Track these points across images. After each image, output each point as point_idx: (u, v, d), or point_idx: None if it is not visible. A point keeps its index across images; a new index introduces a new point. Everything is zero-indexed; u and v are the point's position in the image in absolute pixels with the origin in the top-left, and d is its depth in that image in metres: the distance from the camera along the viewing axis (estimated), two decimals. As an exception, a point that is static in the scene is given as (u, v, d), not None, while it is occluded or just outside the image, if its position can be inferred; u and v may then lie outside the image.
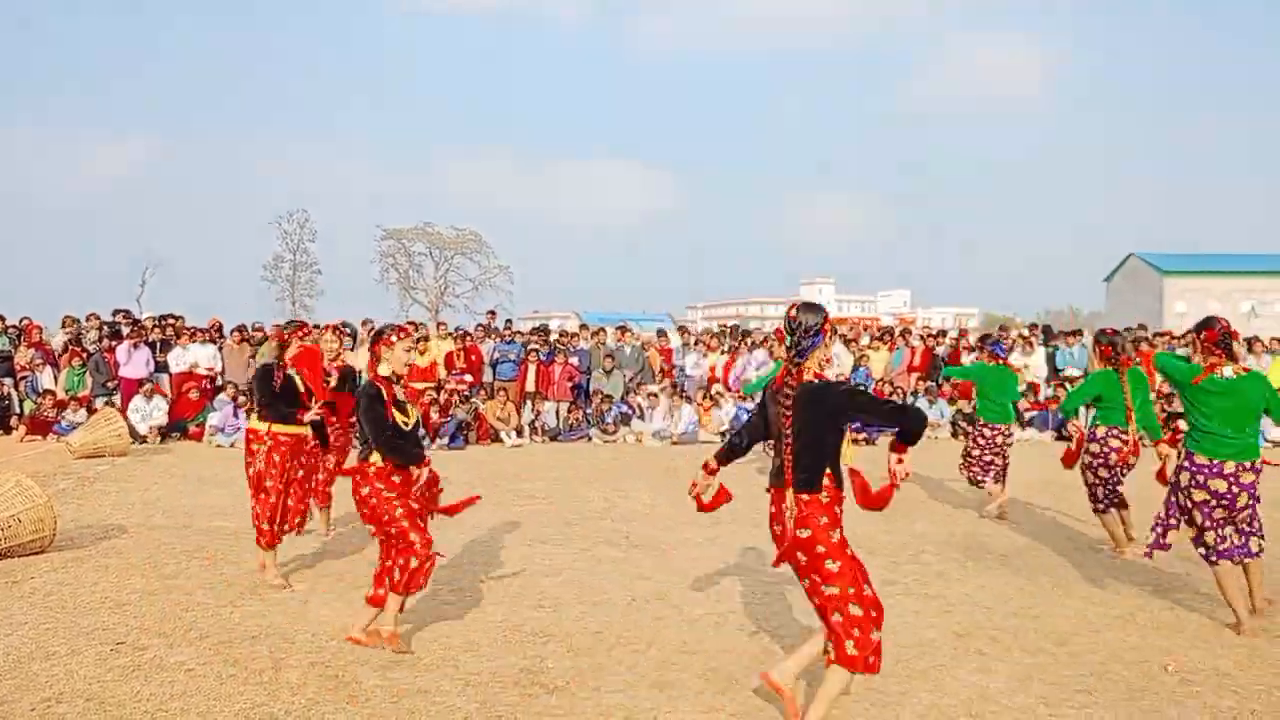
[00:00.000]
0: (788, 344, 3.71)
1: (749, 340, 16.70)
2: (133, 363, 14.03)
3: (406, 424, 4.67)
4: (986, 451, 8.22)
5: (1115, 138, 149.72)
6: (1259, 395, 5.03)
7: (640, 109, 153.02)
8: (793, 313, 3.73)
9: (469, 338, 15.64)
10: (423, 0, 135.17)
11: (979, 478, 8.24)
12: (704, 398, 14.78)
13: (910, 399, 15.37)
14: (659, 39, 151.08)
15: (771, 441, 3.91)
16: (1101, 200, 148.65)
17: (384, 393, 4.63)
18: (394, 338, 4.75)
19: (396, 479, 4.63)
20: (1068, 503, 8.84)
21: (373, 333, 5.12)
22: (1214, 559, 5.05)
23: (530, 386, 14.78)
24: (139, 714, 3.78)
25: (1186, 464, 5.11)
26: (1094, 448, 6.79)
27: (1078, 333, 16.89)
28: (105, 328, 15.21)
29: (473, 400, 13.95)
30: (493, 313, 18.61)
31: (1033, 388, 15.34)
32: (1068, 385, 15.25)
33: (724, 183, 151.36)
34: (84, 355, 14.37)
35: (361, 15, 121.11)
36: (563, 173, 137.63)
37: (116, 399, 13.84)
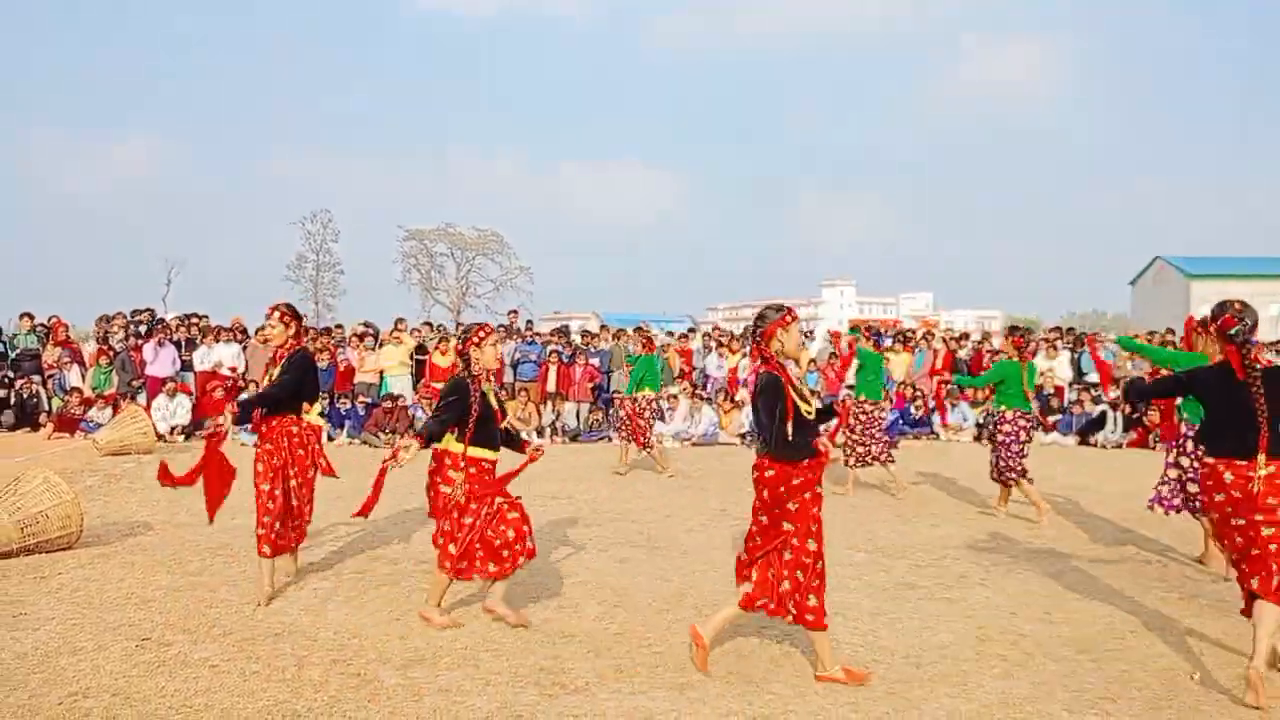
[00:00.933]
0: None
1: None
2: (159, 361, 14.19)
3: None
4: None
5: (1141, 138, 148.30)
6: None
7: (661, 108, 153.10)
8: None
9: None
10: (441, 2, 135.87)
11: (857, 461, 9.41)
12: (724, 399, 14.77)
13: (931, 404, 15.29)
14: (677, 37, 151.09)
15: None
16: (1127, 202, 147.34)
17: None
18: (480, 336, 5.03)
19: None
20: (1091, 508, 8.77)
21: (461, 333, 5.32)
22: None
23: (551, 387, 14.82)
24: (164, 709, 3.81)
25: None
26: (1006, 427, 8.13)
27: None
28: (131, 326, 15.39)
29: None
30: (515, 312, 18.64)
31: (1057, 391, 15.23)
32: (1092, 389, 15.14)
33: (745, 183, 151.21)
34: (111, 353, 14.54)
35: (380, 17, 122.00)
36: (582, 173, 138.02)
37: (142, 397, 14.00)
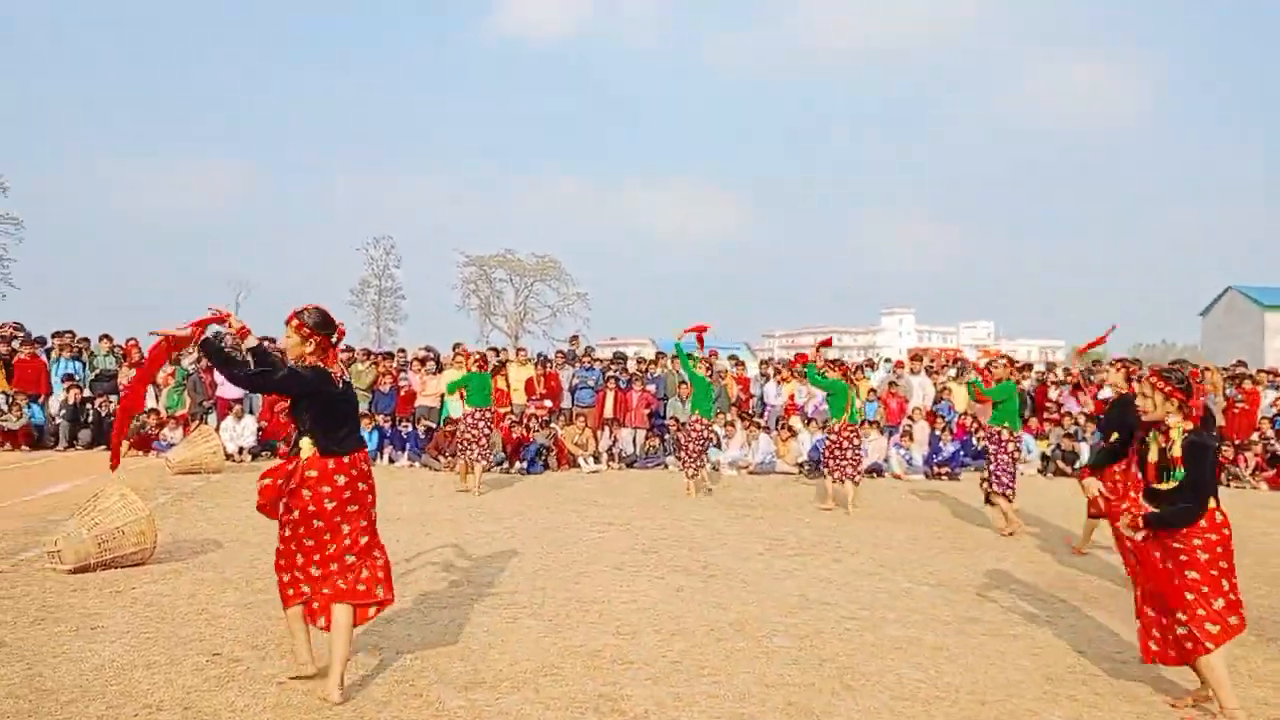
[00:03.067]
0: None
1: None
2: (228, 383, 14.56)
3: None
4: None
5: (1214, 163, 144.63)
6: None
7: (719, 133, 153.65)
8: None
9: (549, 364, 15.85)
10: (501, 28, 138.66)
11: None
12: (781, 427, 14.68)
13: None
14: (737, 66, 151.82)
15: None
16: (1199, 230, 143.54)
17: None
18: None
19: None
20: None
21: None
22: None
23: (608, 413, 14.88)
24: (233, 724, 3.91)
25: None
26: (1009, 445, 9.04)
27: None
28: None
29: (552, 425, 14.10)
30: (576, 337, 18.78)
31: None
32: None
33: (799, 207, 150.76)
34: (183, 376, 14.99)
35: (445, 43, 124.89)
36: (638, 198, 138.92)
37: (212, 418, 14.39)
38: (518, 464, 13.30)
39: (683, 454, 11.64)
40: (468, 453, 11.14)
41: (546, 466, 13.51)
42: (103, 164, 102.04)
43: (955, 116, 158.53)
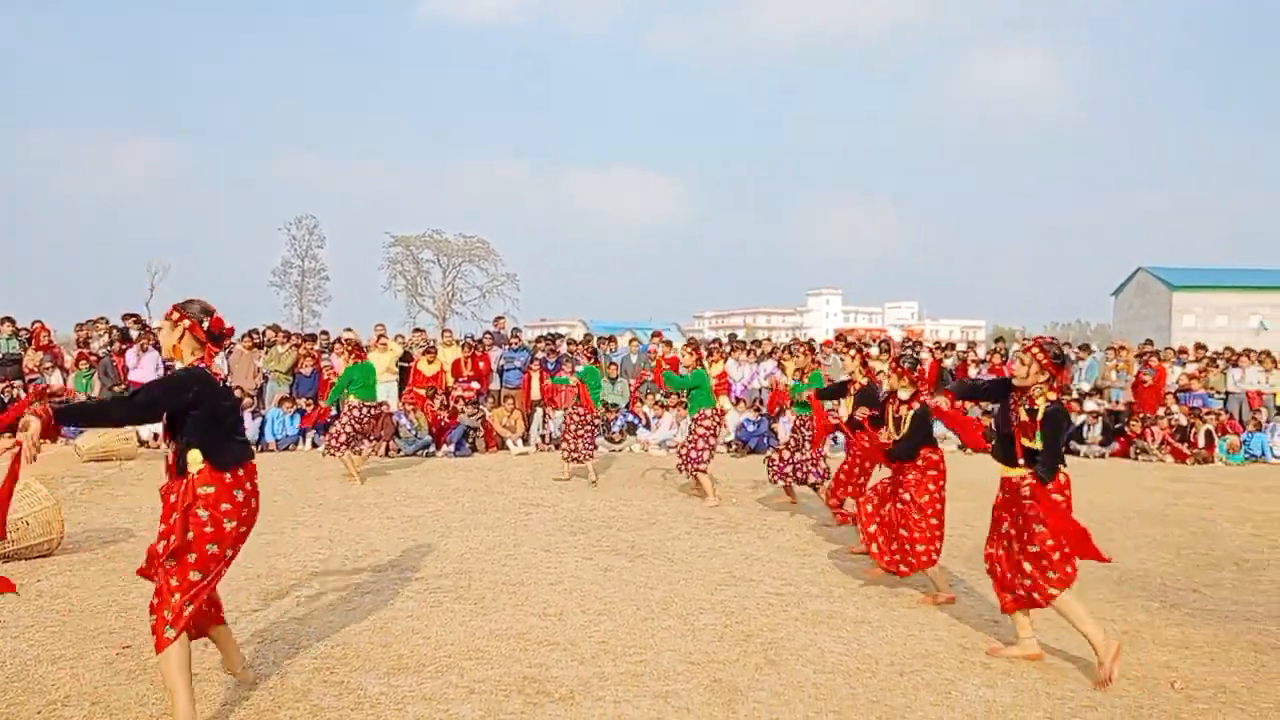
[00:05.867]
0: None
1: (759, 350, 16.72)
2: (141, 366, 14.09)
3: None
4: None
5: (1125, 149, 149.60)
6: None
7: (649, 117, 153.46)
8: None
9: (480, 346, 15.67)
10: (439, 11, 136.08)
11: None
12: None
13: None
14: (668, 49, 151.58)
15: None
16: (1111, 214, 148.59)
17: None
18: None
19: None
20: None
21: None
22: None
23: (535, 395, 14.78)
24: (144, 717, 3.79)
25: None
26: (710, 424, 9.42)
27: (1086, 348, 16.87)
28: (115, 332, 15.28)
29: (480, 407, 13.96)
30: (501, 319, 18.60)
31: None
32: (1080, 401, 15.23)
33: (733, 191, 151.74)
34: (93, 359, 14.43)
35: (377, 25, 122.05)
36: (570, 180, 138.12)
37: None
38: (444, 447, 13.15)
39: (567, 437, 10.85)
40: (354, 445, 10.53)
41: (474, 449, 13.39)
42: (15, 138, 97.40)
43: (884, 103, 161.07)
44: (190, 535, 3.62)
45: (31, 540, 6.27)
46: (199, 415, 3.69)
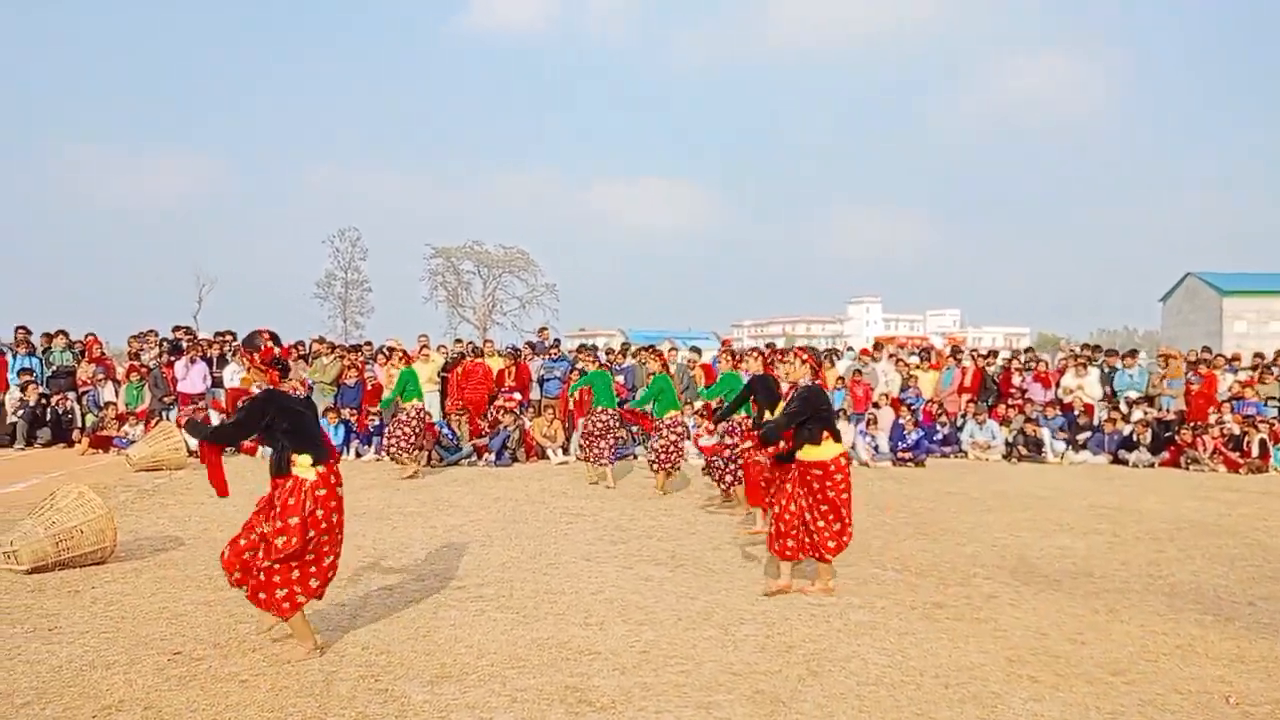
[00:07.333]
0: None
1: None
2: (190, 378, 14.37)
3: None
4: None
5: (1174, 152, 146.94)
6: None
7: (688, 126, 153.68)
8: None
9: (520, 355, 15.78)
10: (472, 24, 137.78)
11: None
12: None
13: (960, 420, 15.17)
14: (706, 50, 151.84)
15: None
16: (1159, 218, 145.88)
17: None
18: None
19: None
20: (1124, 528, 8.66)
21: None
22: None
23: (573, 404, 14.81)
24: (195, 723, 3.86)
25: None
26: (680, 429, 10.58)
27: (1132, 354, 16.55)
28: (164, 344, 15.61)
29: (520, 417, 14.04)
30: (544, 329, 18.68)
31: (1086, 409, 15.06)
32: (1123, 407, 14.96)
33: (769, 199, 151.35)
34: (143, 370, 14.75)
35: (415, 38, 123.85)
36: (609, 191, 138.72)
37: (173, 414, 14.18)
38: (485, 456, 13.24)
39: (585, 442, 11.42)
40: (418, 446, 11.77)
41: (514, 459, 13.46)
42: (66, 153, 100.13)
43: (923, 109, 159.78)
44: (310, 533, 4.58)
45: (86, 548, 6.42)
46: (285, 427, 4.56)
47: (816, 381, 6.24)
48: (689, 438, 14.08)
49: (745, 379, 9.52)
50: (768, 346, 19.05)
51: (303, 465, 4.59)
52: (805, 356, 6.25)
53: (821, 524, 5.94)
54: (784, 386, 7.46)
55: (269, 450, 4.76)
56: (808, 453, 5.99)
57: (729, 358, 11.09)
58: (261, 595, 4.58)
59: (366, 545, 7.35)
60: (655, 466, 10.57)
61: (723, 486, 9.47)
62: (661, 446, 10.44)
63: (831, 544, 5.95)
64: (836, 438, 6.02)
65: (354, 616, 5.41)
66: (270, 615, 4.69)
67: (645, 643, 4.98)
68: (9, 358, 15.03)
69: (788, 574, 6.06)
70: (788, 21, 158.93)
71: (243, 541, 4.63)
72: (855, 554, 7.31)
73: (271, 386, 4.67)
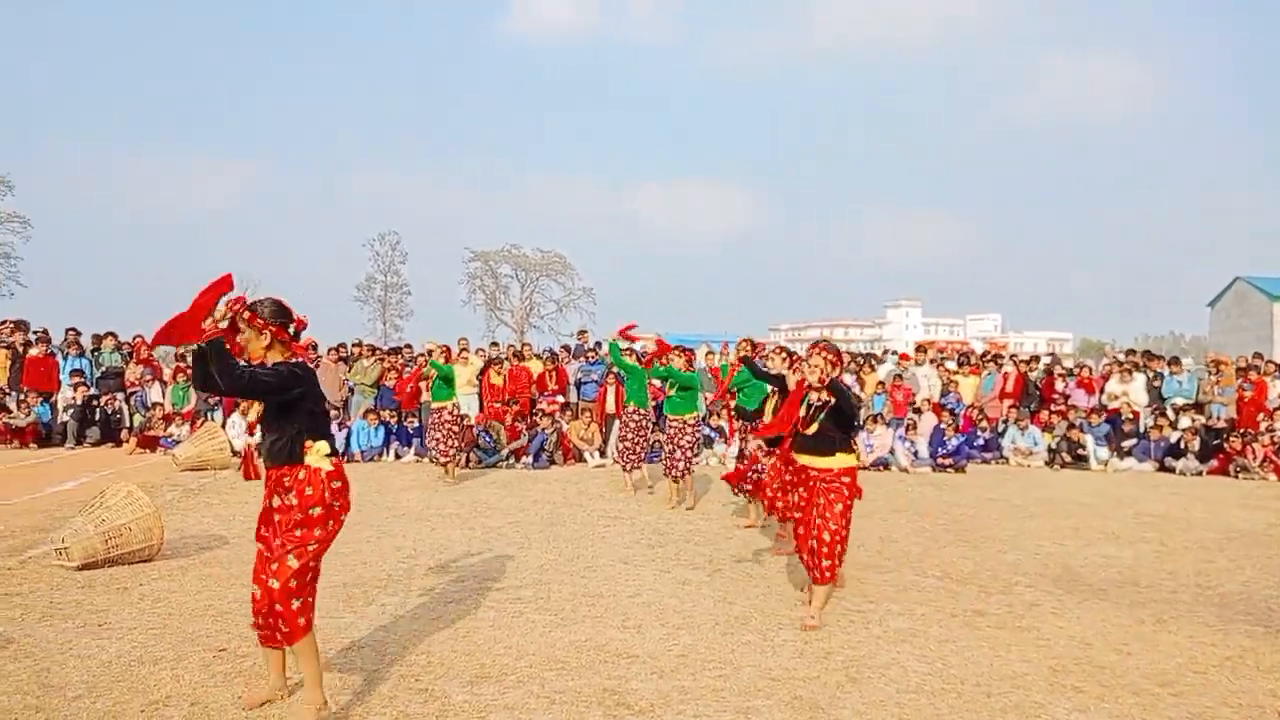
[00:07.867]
0: None
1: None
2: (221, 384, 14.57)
3: None
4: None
5: (1222, 155, 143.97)
6: None
7: (726, 130, 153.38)
8: None
9: (558, 359, 15.86)
10: (513, 27, 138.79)
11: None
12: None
13: (1001, 426, 14.97)
14: (741, 61, 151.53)
15: None
16: (1207, 221, 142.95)
17: None
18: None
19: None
20: (1172, 536, 8.48)
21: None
22: None
23: (610, 408, 14.84)
24: (240, 718, 3.92)
25: None
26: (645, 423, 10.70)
27: (1176, 361, 16.23)
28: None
29: (558, 420, 14.10)
30: (584, 331, 18.71)
31: (1133, 415, 14.79)
32: (1170, 413, 14.67)
33: (807, 202, 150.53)
34: (189, 372, 15.02)
35: (458, 43, 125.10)
36: (646, 194, 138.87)
37: (218, 414, 14.43)
38: (523, 459, 13.31)
39: (621, 445, 11.11)
40: (462, 452, 11.96)
41: (552, 461, 13.51)
42: (111, 161, 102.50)
43: (963, 111, 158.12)
44: (331, 525, 4.02)
45: (134, 546, 6.55)
46: (310, 408, 4.03)
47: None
48: (707, 442, 14.00)
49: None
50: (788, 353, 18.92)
51: (318, 453, 3.97)
52: (830, 355, 5.61)
53: (827, 536, 5.47)
54: (791, 384, 6.89)
55: (256, 440, 4.13)
56: (838, 460, 5.57)
57: (748, 346, 10.70)
58: (283, 628, 3.87)
59: (406, 546, 7.42)
60: (665, 473, 9.92)
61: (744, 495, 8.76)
62: (670, 449, 9.81)
63: (826, 563, 5.47)
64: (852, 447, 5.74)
65: (395, 617, 5.46)
66: (274, 665, 4.13)
67: (683, 647, 4.98)
68: (60, 359, 15.40)
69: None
70: (829, 24, 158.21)
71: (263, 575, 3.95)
72: (895, 560, 7.25)
73: (302, 360, 4.06)
